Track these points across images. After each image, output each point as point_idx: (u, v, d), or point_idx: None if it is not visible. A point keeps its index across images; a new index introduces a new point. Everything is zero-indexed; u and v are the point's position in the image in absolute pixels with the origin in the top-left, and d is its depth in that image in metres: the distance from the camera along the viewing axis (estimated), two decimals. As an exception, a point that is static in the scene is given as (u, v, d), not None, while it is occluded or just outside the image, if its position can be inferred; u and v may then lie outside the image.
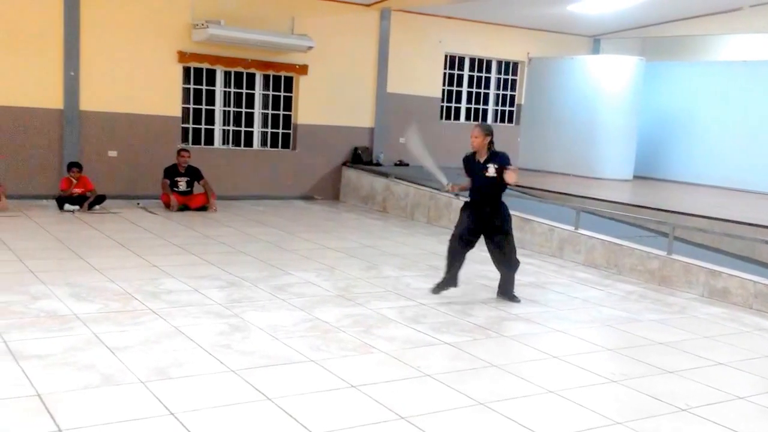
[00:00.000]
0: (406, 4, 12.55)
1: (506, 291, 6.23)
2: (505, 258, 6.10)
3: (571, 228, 8.36)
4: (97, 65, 10.34)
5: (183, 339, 4.64)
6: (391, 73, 12.99)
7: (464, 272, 6.96)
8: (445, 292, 6.18)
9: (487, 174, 5.89)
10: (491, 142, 5.96)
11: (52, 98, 10.12)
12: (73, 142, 10.29)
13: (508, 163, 5.87)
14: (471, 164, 6.07)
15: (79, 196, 9.56)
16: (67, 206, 9.42)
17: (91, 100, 10.37)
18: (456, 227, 6.20)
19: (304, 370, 4.25)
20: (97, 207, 9.61)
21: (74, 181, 9.59)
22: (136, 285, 5.89)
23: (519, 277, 6.34)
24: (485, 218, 5.99)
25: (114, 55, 10.45)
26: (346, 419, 3.61)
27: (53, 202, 9.64)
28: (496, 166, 5.86)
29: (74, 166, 9.66)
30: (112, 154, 10.67)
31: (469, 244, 6.12)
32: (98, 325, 4.79)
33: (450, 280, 6.17)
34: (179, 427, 3.36)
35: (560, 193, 10.70)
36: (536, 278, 7.26)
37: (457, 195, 7.40)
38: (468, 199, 6.20)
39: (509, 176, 5.75)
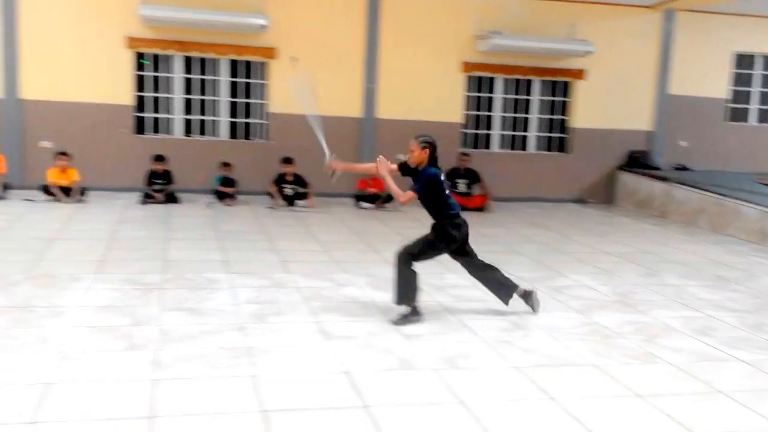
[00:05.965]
0: (694, 3, 11.80)
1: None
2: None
3: None
4: (392, 77, 11.35)
5: (468, 332, 4.97)
6: (672, 74, 12.33)
7: (756, 285, 6.39)
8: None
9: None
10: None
11: (353, 108, 11.36)
12: (369, 147, 11.39)
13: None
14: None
15: (373, 194, 10.58)
16: (362, 204, 10.48)
17: (385, 109, 11.43)
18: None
19: (587, 373, 4.30)
20: (386, 205, 10.54)
21: (369, 181, 10.64)
22: (424, 278, 6.35)
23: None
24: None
25: (406, 67, 11.39)
26: (634, 429, 3.58)
27: (350, 200, 10.78)
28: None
29: (369, 168, 10.71)
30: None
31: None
32: (392, 313, 5.29)
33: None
34: (470, 416, 3.63)
35: None
36: None
37: (332, 176, 5.82)
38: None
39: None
